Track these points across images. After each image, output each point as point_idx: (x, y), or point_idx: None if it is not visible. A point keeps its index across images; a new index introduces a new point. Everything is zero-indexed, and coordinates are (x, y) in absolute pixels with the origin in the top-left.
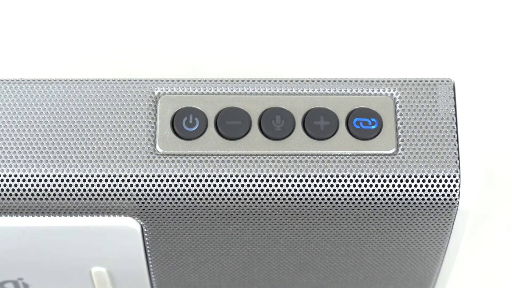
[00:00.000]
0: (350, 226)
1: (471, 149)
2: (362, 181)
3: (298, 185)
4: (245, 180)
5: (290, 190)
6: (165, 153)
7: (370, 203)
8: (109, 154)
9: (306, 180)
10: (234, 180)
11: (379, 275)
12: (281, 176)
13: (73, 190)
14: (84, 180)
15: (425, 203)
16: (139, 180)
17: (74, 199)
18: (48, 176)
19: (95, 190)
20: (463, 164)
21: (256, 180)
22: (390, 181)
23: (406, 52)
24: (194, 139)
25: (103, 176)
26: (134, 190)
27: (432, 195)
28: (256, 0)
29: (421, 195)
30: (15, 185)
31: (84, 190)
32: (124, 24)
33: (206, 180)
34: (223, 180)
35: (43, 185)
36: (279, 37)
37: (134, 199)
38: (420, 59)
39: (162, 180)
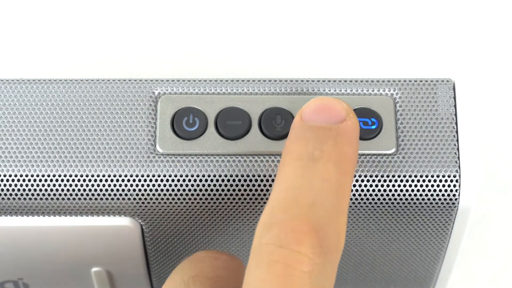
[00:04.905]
0: (350, 226)
1: (471, 149)
2: (362, 181)
3: None
4: (245, 180)
5: None
6: (165, 153)
7: (370, 203)
8: (109, 154)
9: None
10: (234, 180)
11: (379, 275)
12: None
13: (73, 190)
14: (84, 180)
15: (425, 203)
16: (139, 180)
17: (74, 199)
18: (48, 176)
19: (95, 190)
20: (463, 164)
21: (256, 180)
22: (390, 181)
23: (406, 52)
24: (194, 139)
25: (103, 176)
26: (134, 190)
27: (432, 195)
28: (256, 0)
29: (421, 195)
30: (15, 185)
31: (84, 190)
32: (124, 24)
33: (206, 180)
34: (223, 180)
35: (43, 185)
36: (279, 37)
37: (134, 199)
38: (420, 59)
39: (162, 180)
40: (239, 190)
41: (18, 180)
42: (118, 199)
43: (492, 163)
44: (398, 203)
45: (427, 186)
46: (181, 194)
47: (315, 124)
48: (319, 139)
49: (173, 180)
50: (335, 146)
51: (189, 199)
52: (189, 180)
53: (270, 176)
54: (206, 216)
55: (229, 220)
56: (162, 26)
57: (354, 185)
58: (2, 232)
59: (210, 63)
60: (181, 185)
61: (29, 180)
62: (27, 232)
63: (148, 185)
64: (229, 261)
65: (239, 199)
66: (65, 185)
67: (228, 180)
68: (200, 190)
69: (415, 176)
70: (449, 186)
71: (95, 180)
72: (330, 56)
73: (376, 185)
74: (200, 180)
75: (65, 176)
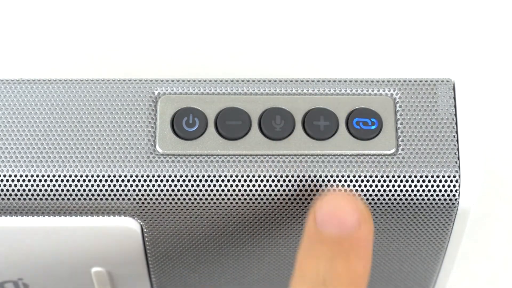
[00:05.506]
0: None
1: (471, 149)
2: (362, 181)
3: (298, 185)
4: (245, 180)
5: (290, 190)
6: (165, 153)
7: (370, 203)
8: (109, 154)
9: (306, 180)
10: (234, 180)
11: (379, 275)
12: (281, 176)
13: (73, 190)
14: (84, 180)
15: (425, 203)
16: (139, 180)
17: (74, 199)
18: (48, 176)
19: (95, 190)
20: (463, 164)
21: (256, 180)
22: (390, 181)
23: (406, 52)
24: (194, 139)
25: (103, 176)
26: (134, 190)
27: (432, 195)
28: (256, 0)
29: (421, 195)
30: (15, 185)
31: (84, 190)
32: (124, 24)
33: (206, 180)
34: (223, 180)
35: (43, 185)
36: (278, 37)
37: (134, 199)
38: (420, 59)
39: (162, 180)
40: (239, 190)
41: (18, 180)
42: (118, 199)
43: (492, 163)
44: (398, 203)
45: (427, 186)
46: (181, 194)
47: (327, 231)
48: (331, 259)
49: (173, 180)
50: (346, 267)
51: (189, 199)
52: (189, 180)
53: (270, 176)
54: (206, 216)
55: (229, 220)
56: (162, 26)
57: (354, 186)
58: (2, 232)
59: (210, 63)
60: (181, 185)
61: (29, 180)
62: (27, 232)
63: (148, 185)
64: None
65: (239, 199)
66: (65, 185)
67: (228, 180)
68: (200, 190)
69: (415, 176)
70: (449, 186)
71: (95, 180)
72: (330, 56)
73: (376, 185)
74: (200, 180)
75: (65, 176)
